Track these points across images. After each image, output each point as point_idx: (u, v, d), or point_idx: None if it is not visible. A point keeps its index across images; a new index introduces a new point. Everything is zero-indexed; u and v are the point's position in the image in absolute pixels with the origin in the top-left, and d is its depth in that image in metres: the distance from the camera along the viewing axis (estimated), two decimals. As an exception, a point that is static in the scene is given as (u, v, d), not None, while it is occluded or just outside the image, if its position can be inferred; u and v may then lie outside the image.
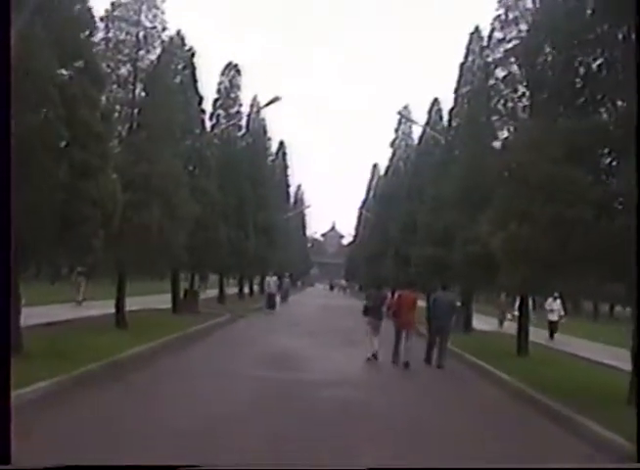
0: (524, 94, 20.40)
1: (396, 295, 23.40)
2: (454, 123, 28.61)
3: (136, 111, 20.49)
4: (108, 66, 20.19)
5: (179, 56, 28.45)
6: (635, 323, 11.19)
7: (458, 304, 30.48)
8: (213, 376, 13.66)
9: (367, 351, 18.00)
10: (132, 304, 28.30)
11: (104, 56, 20.01)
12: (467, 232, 20.24)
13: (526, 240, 11.25)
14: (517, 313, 20.60)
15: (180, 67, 28.62)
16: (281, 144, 71.62)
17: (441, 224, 26.70)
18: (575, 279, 12.70)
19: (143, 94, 20.76)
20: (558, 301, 28.08)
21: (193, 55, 28.81)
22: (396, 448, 8.65)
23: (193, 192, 24.59)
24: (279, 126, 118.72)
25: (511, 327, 22.22)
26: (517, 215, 11.58)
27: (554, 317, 28.15)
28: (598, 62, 12.63)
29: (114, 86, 20.40)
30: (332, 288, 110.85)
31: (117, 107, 20.34)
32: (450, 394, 14.33)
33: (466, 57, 28.92)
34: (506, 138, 20.31)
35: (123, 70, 20.72)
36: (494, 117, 20.97)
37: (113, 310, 20.75)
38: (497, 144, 20.81)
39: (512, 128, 20.40)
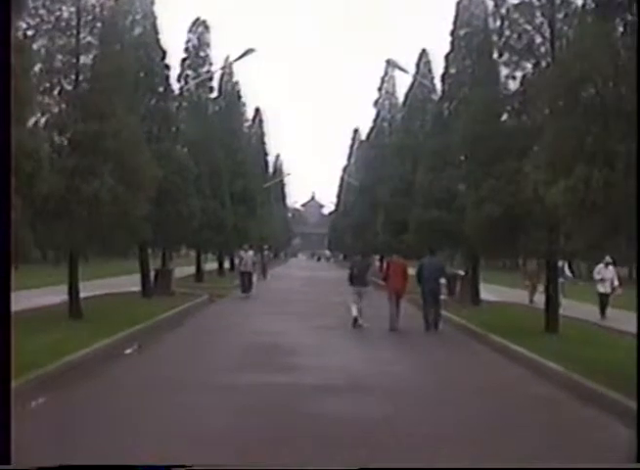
0: (542, 24, 17.38)
1: (386, 262, 23.09)
2: (452, 70, 25.38)
3: (82, 60, 17.13)
4: (43, 5, 16.89)
5: (137, 4, 25.04)
6: None
7: (461, 272, 27.85)
8: (179, 388, 10.12)
9: (351, 313, 18.47)
10: (101, 286, 25.32)
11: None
12: (481, 189, 16.97)
13: (602, 187, 8.08)
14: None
15: (139, 17, 25.21)
16: (257, 111, 68.32)
17: (444, 183, 23.64)
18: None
19: (90, 39, 17.37)
20: (610, 267, 21.72)
21: (152, 2, 25.24)
22: None
23: (158, 158, 21.33)
24: (254, 95, 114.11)
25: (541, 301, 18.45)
26: (586, 155, 8.38)
27: (605, 288, 21.31)
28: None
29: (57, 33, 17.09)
30: (319, 259, 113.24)
31: (60, 56, 17.01)
32: (476, 379, 11.32)
33: (463, -7, 25.70)
34: (524, 76, 17.23)
35: (65, 13, 17.28)
36: (505, 56, 17.84)
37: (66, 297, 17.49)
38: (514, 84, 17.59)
39: (530, 64, 17.40)
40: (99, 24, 17.52)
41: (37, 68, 16.32)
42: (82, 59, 17.10)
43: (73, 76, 16.94)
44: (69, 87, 16.90)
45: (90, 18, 17.42)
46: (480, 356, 14.73)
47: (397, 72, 48.65)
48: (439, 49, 43.10)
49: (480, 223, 16.83)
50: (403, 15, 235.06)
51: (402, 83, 51.51)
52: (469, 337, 17.54)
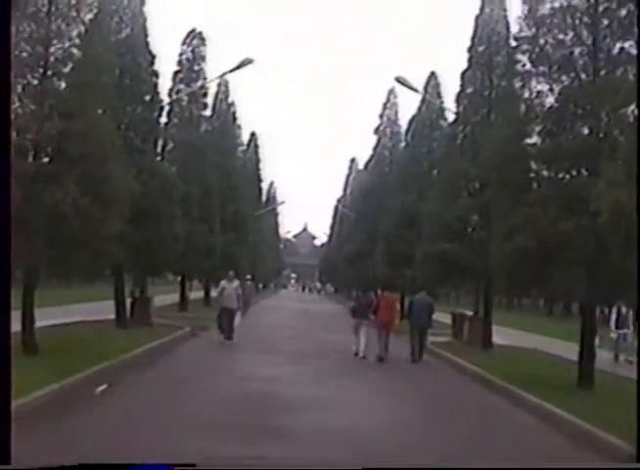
0: (582, 32, 15.17)
1: (379, 296, 23.31)
2: (469, 89, 23.11)
3: (52, 50, 14.78)
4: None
5: (125, 3, 22.81)
6: None
7: (468, 312, 25.53)
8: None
9: (354, 346, 19.67)
10: (77, 312, 23.06)
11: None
12: (512, 218, 14.48)
13: None
14: (614, 335, 14.84)
15: (126, 17, 22.93)
16: (252, 135, 66.06)
17: (456, 213, 21.30)
18: None
19: (63, 28, 15.03)
20: None
21: (142, 2, 22.98)
22: None
23: (140, 172, 19.02)
24: (249, 120, 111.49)
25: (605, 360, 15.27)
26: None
27: None
28: None
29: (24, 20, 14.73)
30: (310, 290, 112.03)
31: (25, 45, 14.64)
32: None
33: (482, 9, 23.56)
34: (560, 92, 15.00)
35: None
36: (541, 68, 15.65)
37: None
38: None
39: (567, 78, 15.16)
40: (73, 14, 15.24)
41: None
42: (52, 50, 14.79)
43: (41, 70, 14.60)
44: (35, 81, 14.54)
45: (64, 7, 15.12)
46: (506, 415, 12.31)
47: (399, 99, 46.86)
48: (446, 74, 41.06)
49: (509, 257, 14.34)
50: (406, 41, 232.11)
51: (404, 112, 48.87)
52: (485, 388, 15.18)
